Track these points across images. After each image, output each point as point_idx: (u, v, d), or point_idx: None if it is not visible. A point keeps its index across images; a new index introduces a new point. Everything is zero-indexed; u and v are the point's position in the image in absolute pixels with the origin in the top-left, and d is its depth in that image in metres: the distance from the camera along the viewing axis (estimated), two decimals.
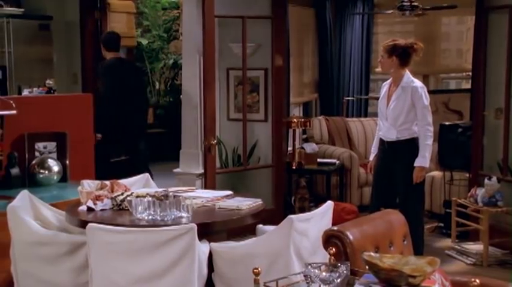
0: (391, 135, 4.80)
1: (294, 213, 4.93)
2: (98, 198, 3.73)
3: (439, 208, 6.32)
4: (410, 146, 4.75)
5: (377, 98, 8.43)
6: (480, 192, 5.33)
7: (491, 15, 5.64)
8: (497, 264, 5.22)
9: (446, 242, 5.77)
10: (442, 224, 6.15)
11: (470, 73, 6.45)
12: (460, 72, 8.85)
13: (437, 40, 8.23)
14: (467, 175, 6.02)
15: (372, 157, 5.04)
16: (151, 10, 10.13)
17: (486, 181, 5.29)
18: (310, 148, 6.64)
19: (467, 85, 8.39)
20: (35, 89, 5.63)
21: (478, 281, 2.09)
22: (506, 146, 5.44)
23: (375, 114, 8.97)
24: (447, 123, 6.42)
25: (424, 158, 4.72)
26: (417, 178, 4.72)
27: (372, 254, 2.29)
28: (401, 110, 4.74)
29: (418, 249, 4.78)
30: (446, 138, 6.21)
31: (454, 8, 7.04)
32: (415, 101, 4.73)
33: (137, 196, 3.65)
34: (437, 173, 6.45)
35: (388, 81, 4.95)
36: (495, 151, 5.64)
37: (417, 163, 4.72)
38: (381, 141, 4.92)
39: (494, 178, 5.26)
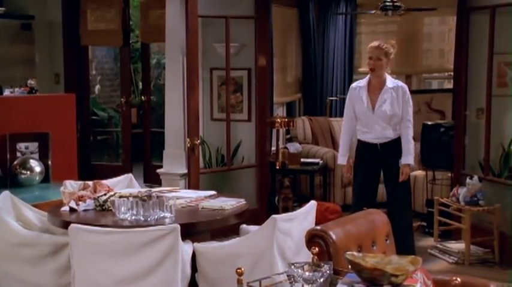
0: (389, 135, 4.83)
1: (278, 213, 4.94)
2: (80, 198, 3.72)
3: (421, 207, 6.36)
4: (399, 145, 4.85)
5: None
6: (462, 191, 5.38)
7: (473, 16, 5.69)
8: (479, 262, 5.26)
9: (429, 241, 5.81)
10: (424, 223, 6.19)
11: (452, 73, 6.50)
12: (442, 72, 8.91)
13: (419, 40, 8.28)
14: (450, 174, 6.06)
15: (345, 161, 5.01)
16: (134, 10, 10.09)
17: (468, 180, 5.33)
18: (294, 147, 6.64)
19: (449, 85, 8.45)
20: (16, 89, 5.59)
21: (459, 279, 2.11)
22: (487, 146, 5.48)
23: None
24: (429, 123, 6.45)
25: (412, 155, 4.85)
26: (407, 175, 4.81)
27: (355, 253, 2.30)
28: (396, 110, 4.81)
29: (410, 247, 4.85)
30: (428, 137, 6.25)
31: (433, 10, 7.10)
32: (405, 101, 4.83)
33: (120, 197, 3.64)
34: (419, 173, 6.49)
35: (362, 84, 4.92)
36: (477, 150, 5.69)
37: (407, 160, 4.81)
38: (368, 144, 4.89)
39: (475, 177, 5.30)
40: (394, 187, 4.88)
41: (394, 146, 4.84)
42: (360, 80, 5.02)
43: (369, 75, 4.93)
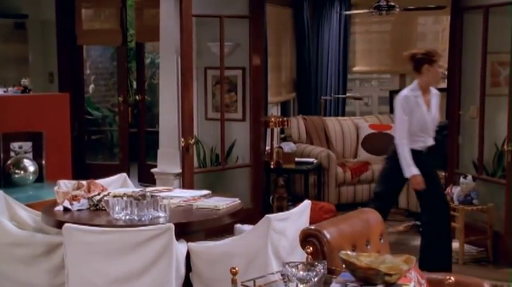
0: (433, 140, 4.82)
1: (272, 212, 4.94)
2: (74, 198, 3.71)
3: (415, 206, 6.36)
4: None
5: (354, 98, 8.54)
6: (456, 191, 5.39)
7: (466, 16, 5.70)
8: (472, 262, 5.28)
9: None
10: (418, 223, 6.20)
11: (446, 73, 6.52)
12: None
13: (413, 40, 8.30)
14: (444, 174, 6.07)
15: (418, 171, 4.68)
16: (129, 9, 10.09)
17: (462, 179, 5.34)
18: (288, 147, 6.65)
19: (443, 84, 8.46)
20: (10, 88, 5.58)
21: (453, 278, 2.12)
22: (481, 145, 5.50)
23: (352, 114, 9.06)
24: None
25: None
26: None
27: (349, 253, 2.30)
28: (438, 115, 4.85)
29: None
30: None
31: (443, 8, 7.02)
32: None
33: (114, 196, 3.63)
34: None
35: (418, 92, 4.68)
36: (471, 149, 5.70)
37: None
38: (415, 152, 4.70)
39: (469, 177, 5.31)
40: (441, 187, 4.85)
41: (431, 150, 4.81)
42: (410, 88, 4.76)
43: (417, 83, 4.72)
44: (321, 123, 7.49)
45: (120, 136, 8.24)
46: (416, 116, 4.69)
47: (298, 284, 2.07)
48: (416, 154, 4.69)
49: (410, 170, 4.63)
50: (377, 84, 9.97)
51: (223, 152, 6.10)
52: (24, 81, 5.57)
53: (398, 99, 4.72)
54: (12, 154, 4.99)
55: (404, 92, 4.76)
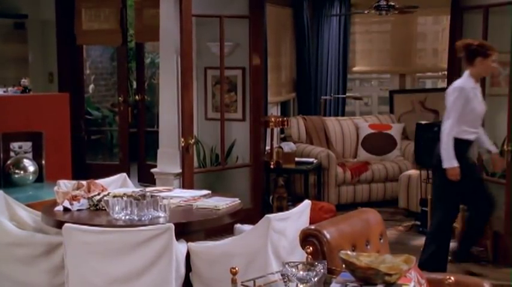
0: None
1: (272, 212, 4.94)
2: (74, 198, 3.71)
3: (415, 206, 6.38)
4: None
5: (354, 98, 8.54)
6: None
7: (466, 15, 5.70)
8: (472, 261, 5.28)
9: (423, 240, 5.79)
10: (418, 223, 6.20)
11: (446, 72, 6.52)
12: (436, 71, 8.94)
13: (413, 40, 8.30)
14: None
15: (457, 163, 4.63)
16: (129, 9, 10.09)
17: None
18: (288, 147, 6.64)
19: (443, 84, 8.48)
20: (9, 88, 5.58)
21: (453, 278, 2.12)
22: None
23: (352, 114, 9.07)
24: (423, 122, 6.47)
25: None
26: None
27: (349, 252, 2.30)
28: None
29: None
30: (422, 137, 6.24)
31: (416, 8, 7.03)
32: None
33: (114, 196, 3.63)
34: (413, 172, 6.51)
35: (473, 84, 4.62)
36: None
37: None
38: (470, 143, 4.70)
39: None
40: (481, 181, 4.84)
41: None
42: (464, 79, 4.66)
43: (468, 74, 4.63)
44: (320, 123, 7.49)
45: (120, 136, 8.24)
46: (473, 107, 4.61)
47: (298, 284, 2.07)
48: (467, 145, 4.67)
49: (452, 162, 4.56)
50: (377, 84, 9.98)
51: (223, 152, 6.11)
52: (24, 81, 5.57)
53: (453, 91, 4.61)
54: (12, 154, 4.99)
55: (461, 83, 4.64)
